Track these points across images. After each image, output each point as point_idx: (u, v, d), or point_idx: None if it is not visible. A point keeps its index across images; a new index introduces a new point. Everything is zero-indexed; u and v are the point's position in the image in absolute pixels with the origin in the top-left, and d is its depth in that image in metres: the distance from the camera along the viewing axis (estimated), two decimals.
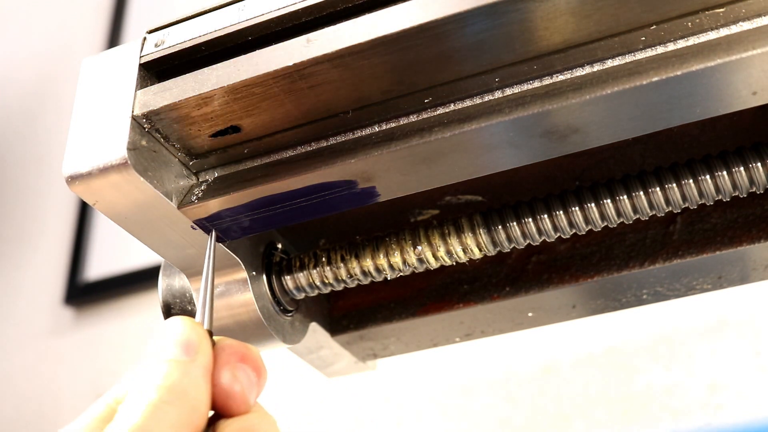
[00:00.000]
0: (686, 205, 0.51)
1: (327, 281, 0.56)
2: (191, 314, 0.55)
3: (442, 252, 0.54)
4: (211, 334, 0.43)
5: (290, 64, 0.45)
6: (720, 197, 0.51)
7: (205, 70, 0.47)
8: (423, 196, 0.60)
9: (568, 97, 0.43)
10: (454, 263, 0.55)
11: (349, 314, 0.64)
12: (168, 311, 0.56)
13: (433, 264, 0.55)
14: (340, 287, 0.57)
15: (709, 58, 0.41)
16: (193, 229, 0.50)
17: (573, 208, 0.52)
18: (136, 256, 1.50)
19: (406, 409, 1.11)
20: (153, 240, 0.51)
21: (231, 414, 0.41)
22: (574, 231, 0.53)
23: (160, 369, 0.40)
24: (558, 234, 0.53)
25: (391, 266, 0.55)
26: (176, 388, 0.39)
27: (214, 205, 0.49)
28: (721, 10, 0.43)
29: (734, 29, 0.42)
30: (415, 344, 0.66)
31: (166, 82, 0.48)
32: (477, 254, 0.54)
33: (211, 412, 0.41)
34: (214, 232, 0.50)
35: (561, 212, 0.52)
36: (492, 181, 0.60)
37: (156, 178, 0.47)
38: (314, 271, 0.56)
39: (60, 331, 1.56)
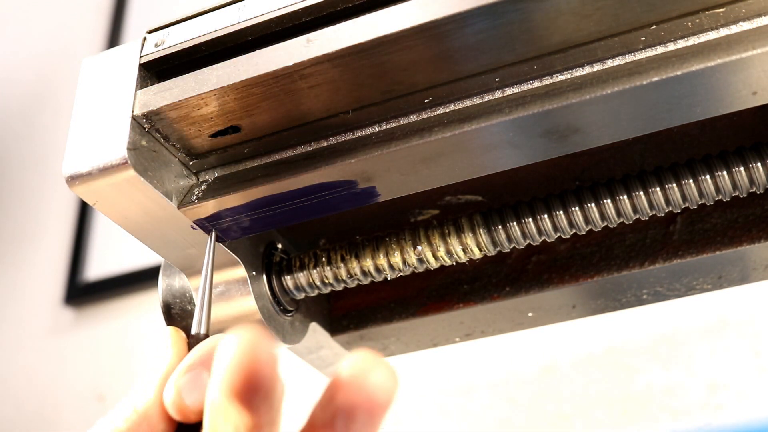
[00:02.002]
0: (686, 205, 0.51)
1: (327, 281, 0.56)
2: (190, 314, 0.55)
3: (442, 252, 0.54)
4: (206, 336, 0.43)
5: (290, 64, 0.45)
6: (720, 197, 0.51)
7: (205, 70, 0.47)
8: (423, 196, 0.60)
9: (568, 97, 0.43)
10: (454, 263, 0.55)
11: (349, 314, 0.64)
12: (168, 311, 0.56)
13: (433, 264, 0.55)
14: (340, 287, 0.57)
15: (709, 58, 0.41)
16: (193, 229, 0.50)
17: (573, 208, 0.52)
18: (136, 256, 1.50)
19: (406, 409, 1.11)
20: (153, 240, 0.51)
21: (183, 420, 0.40)
22: (574, 231, 0.53)
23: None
24: (558, 234, 0.53)
25: (391, 266, 0.55)
26: (129, 399, 0.41)
27: (214, 205, 0.49)
28: (721, 10, 0.43)
29: (734, 29, 0.42)
30: (415, 344, 0.65)
31: (166, 82, 0.48)
32: (477, 254, 0.54)
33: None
34: (213, 232, 0.50)
35: (561, 212, 0.52)
36: (492, 181, 0.60)
37: (156, 178, 0.47)
38: (314, 271, 0.56)
39: (60, 331, 1.57)
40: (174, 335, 0.43)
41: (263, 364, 0.33)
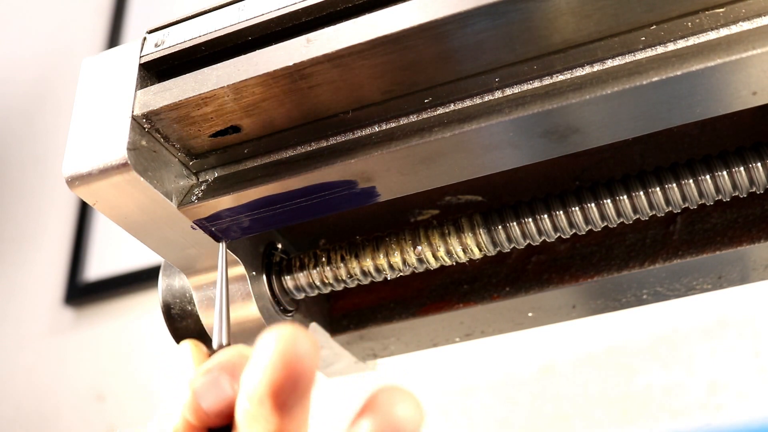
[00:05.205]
0: (686, 205, 0.51)
1: (327, 281, 0.56)
2: (190, 314, 0.55)
3: (442, 252, 0.54)
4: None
5: (290, 64, 0.45)
6: (720, 197, 0.51)
7: (205, 70, 0.47)
8: (423, 196, 0.60)
9: (568, 97, 0.43)
10: (454, 263, 0.55)
11: (349, 314, 0.64)
12: (168, 311, 0.56)
13: (433, 264, 0.55)
14: (340, 287, 0.57)
15: (709, 58, 0.41)
16: (193, 229, 0.50)
17: (573, 208, 0.52)
18: (136, 256, 1.50)
19: None
20: (153, 240, 0.51)
21: (200, 425, 0.38)
22: (574, 231, 0.53)
23: None
24: (558, 234, 0.53)
25: (391, 266, 0.55)
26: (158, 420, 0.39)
27: (214, 205, 0.49)
28: (721, 10, 0.43)
29: (734, 29, 0.42)
30: (415, 344, 0.65)
31: (166, 82, 0.48)
32: (477, 254, 0.54)
33: None
34: (224, 243, 0.49)
35: (561, 212, 0.52)
36: (492, 181, 0.60)
37: (156, 178, 0.47)
38: (314, 271, 0.56)
39: (60, 331, 1.57)
40: (194, 350, 0.41)
41: (303, 363, 0.32)
